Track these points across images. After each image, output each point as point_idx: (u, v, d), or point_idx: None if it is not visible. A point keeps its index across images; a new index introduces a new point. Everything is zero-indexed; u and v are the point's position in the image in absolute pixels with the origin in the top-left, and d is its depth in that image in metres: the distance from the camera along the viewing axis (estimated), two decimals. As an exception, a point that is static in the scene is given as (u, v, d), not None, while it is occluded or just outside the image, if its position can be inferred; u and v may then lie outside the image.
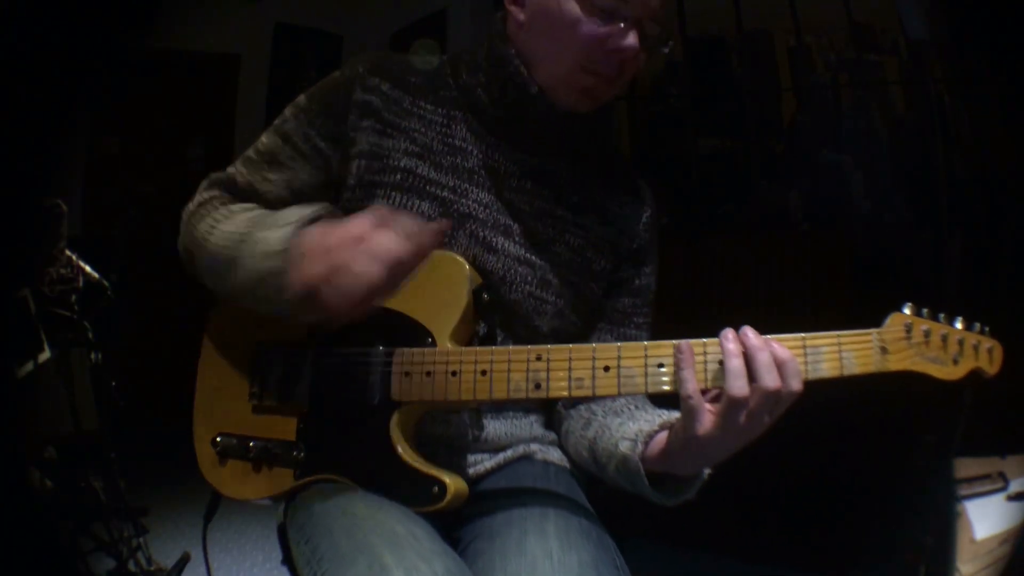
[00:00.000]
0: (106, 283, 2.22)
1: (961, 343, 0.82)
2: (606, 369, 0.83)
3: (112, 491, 2.29)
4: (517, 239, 1.01)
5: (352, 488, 0.94)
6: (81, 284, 2.19)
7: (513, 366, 0.87)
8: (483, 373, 0.88)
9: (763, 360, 0.76)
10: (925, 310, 0.82)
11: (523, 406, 1.08)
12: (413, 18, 3.86)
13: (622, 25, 0.91)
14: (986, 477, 1.72)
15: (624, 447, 0.88)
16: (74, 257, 2.19)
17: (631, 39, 0.91)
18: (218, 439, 1.05)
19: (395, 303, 0.95)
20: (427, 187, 1.00)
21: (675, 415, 0.87)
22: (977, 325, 0.84)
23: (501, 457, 1.06)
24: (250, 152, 1.06)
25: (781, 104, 3.70)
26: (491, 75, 1.00)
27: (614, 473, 0.92)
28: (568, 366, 0.85)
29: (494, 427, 1.05)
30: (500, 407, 1.06)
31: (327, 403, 0.98)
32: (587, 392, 0.84)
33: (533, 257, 1.02)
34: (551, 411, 1.12)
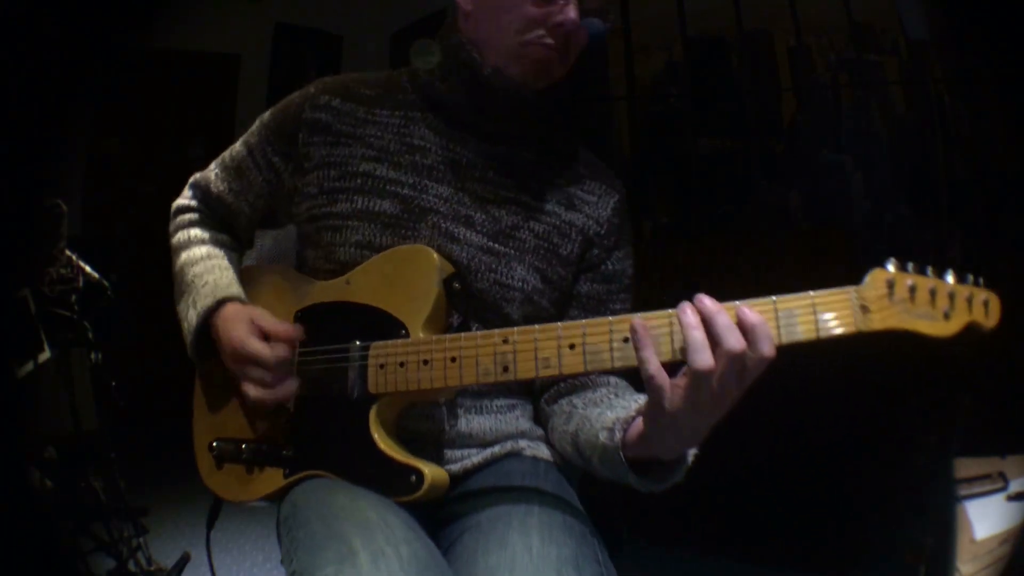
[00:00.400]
0: (106, 283, 2.22)
1: (952, 296, 0.76)
2: (571, 347, 0.83)
3: (112, 491, 2.29)
4: (480, 228, 1.04)
5: (336, 482, 0.96)
6: (81, 284, 2.19)
7: (481, 351, 0.88)
8: (452, 360, 0.90)
9: (722, 323, 0.73)
10: (911, 264, 0.77)
11: (507, 400, 1.09)
12: (413, 18, 3.86)
13: (560, 1, 0.98)
14: (986, 477, 1.71)
15: (603, 437, 0.88)
16: (74, 257, 2.20)
17: (570, 12, 0.98)
18: (214, 444, 1.08)
19: (368, 298, 0.99)
20: (387, 187, 1.04)
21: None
22: (970, 277, 0.79)
23: (488, 453, 1.06)
24: (225, 155, 1.19)
25: (781, 104, 3.70)
26: (446, 66, 1.04)
27: (598, 464, 0.91)
28: (534, 347, 0.85)
29: (479, 422, 1.06)
30: (483, 401, 1.07)
31: (310, 401, 1.01)
32: (554, 371, 0.85)
33: (497, 245, 1.04)
34: (536, 404, 1.13)
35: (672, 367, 0.77)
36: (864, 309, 0.75)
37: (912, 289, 0.76)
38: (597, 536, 0.95)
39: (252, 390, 1.00)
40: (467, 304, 1.01)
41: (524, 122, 1.06)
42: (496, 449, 1.07)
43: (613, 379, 1.06)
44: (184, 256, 1.15)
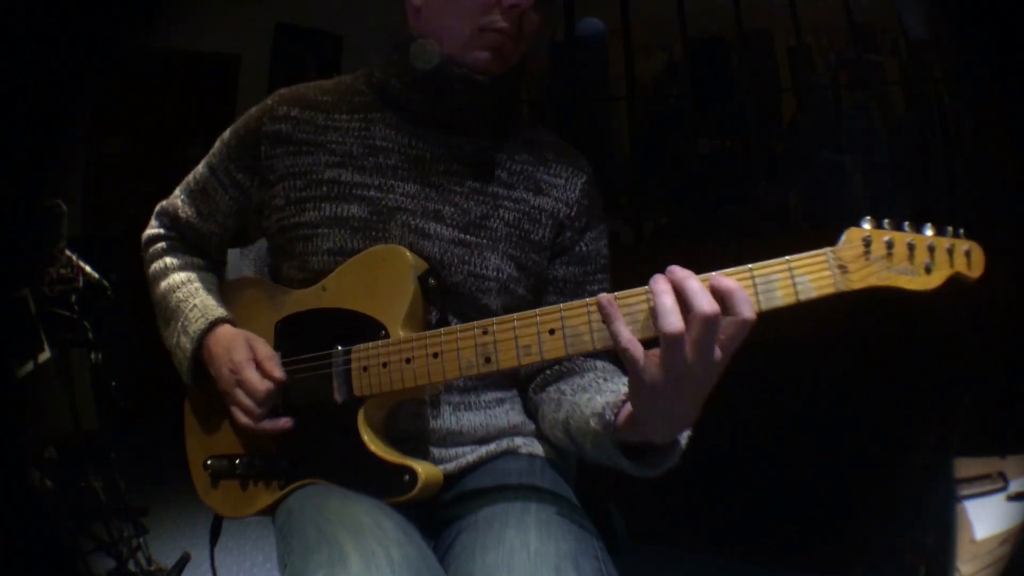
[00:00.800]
0: (106, 283, 2.22)
1: (932, 249, 0.75)
2: (551, 332, 0.83)
3: (112, 491, 2.29)
4: (450, 222, 1.04)
5: (330, 488, 0.97)
6: (81, 284, 2.19)
7: (462, 344, 0.88)
8: (435, 356, 0.90)
9: (693, 287, 0.71)
10: (887, 220, 0.76)
11: (495, 394, 1.09)
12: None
13: None
14: (986, 477, 1.71)
15: (594, 423, 0.87)
16: (74, 257, 2.20)
17: None
18: (208, 462, 1.09)
19: (346, 302, 1.00)
20: (353, 191, 1.05)
21: None
22: (950, 228, 0.77)
23: (483, 450, 1.06)
24: (189, 179, 1.19)
25: (781, 104, 3.70)
26: (400, 63, 1.04)
27: (591, 450, 0.90)
28: (514, 335, 0.85)
29: (469, 418, 1.05)
30: (471, 397, 1.06)
31: (299, 410, 1.01)
32: (536, 358, 0.84)
33: (468, 237, 1.04)
34: (524, 396, 1.13)
35: (653, 343, 0.75)
36: (842, 269, 0.74)
37: (890, 244, 0.75)
38: (596, 534, 0.95)
39: (240, 416, 1.02)
40: (444, 299, 1.02)
41: (483, 110, 1.06)
42: (491, 447, 1.07)
43: (600, 363, 1.06)
44: (164, 284, 1.15)
